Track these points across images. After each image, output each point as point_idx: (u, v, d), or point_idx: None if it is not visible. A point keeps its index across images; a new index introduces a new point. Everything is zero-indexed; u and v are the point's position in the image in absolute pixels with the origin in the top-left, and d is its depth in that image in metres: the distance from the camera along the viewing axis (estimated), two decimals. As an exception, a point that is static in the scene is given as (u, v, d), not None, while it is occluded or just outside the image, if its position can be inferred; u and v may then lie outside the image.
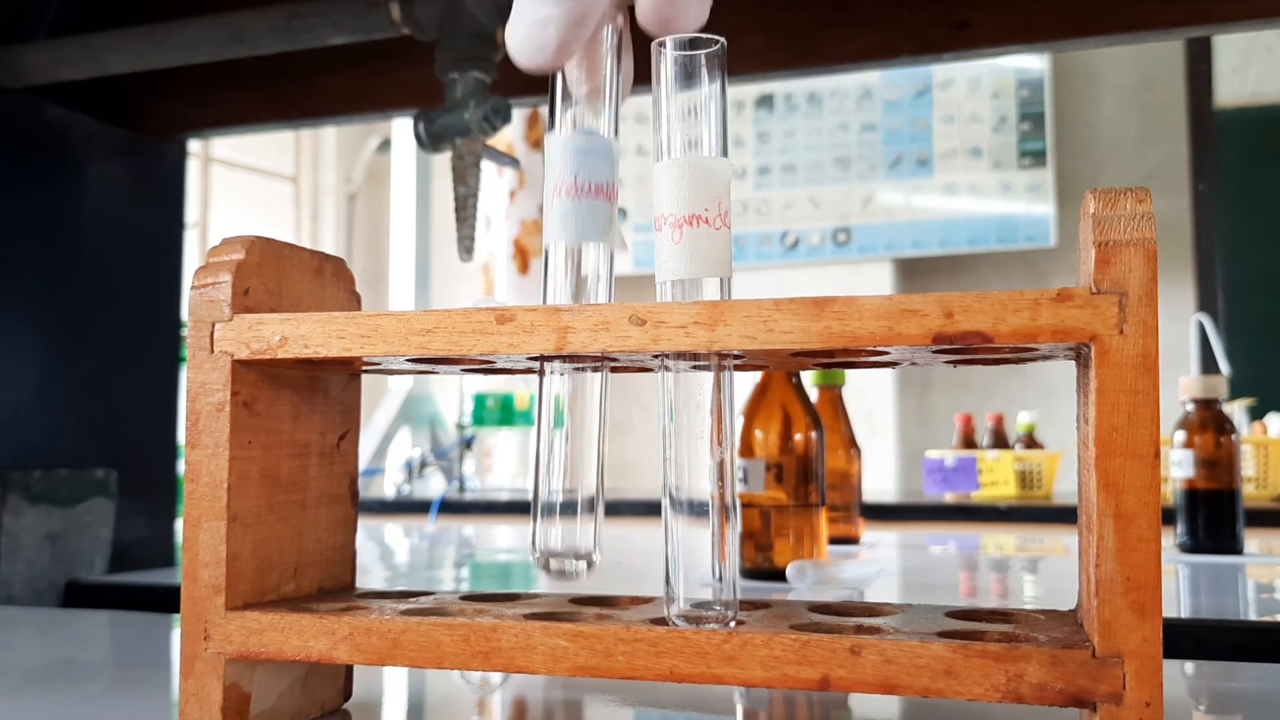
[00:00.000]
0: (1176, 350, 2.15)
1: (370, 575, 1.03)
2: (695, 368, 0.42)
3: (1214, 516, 1.07)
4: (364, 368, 0.49)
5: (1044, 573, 1.08)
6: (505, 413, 2.54)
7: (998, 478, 2.01)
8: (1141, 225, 0.37)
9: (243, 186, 3.30)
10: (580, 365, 0.45)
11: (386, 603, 0.48)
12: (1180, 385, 1.11)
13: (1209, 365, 2.01)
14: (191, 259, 1.21)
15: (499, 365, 0.46)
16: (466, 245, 0.87)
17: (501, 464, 2.93)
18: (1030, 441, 2.14)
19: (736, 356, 0.42)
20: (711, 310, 0.40)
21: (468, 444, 2.56)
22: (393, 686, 0.58)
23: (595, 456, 0.46)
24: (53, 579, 0.95)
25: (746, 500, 0.89)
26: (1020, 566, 1.14)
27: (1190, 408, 1.10)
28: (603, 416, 0.46)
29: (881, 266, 2.91)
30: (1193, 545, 1.08)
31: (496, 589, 0.77)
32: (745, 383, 0.94)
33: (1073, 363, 0.42)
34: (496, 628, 0.42)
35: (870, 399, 2.89)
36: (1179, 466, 1.09)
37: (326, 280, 0.51)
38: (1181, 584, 0.92)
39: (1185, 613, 0.78)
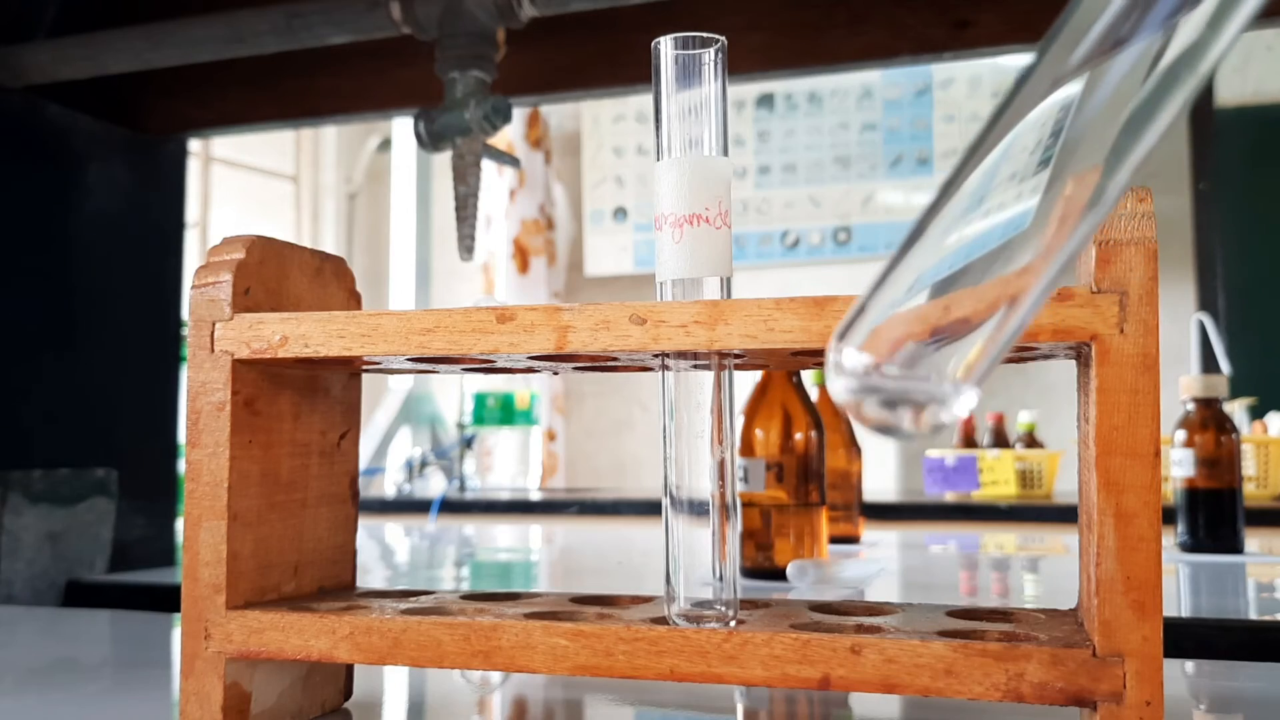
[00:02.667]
0: (1177, 349, 2.15)
1: (370, 575, 1.03)
2: (695, 367, 0.42)
3: (1214, 516, 1.07)
4: (364, 367, 0.49)
5: (1044, 572, 1.08)
6: (505, 412, 2.54)
7: (998, 477, 2.01)
8: (1142, 224, 0.37)
9: (243, 186, 3.30)
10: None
11: (387, 602, 0.48)
12: (1181, 384, 1.11)
13: (1209, 364, 2.00)
14: (191, 259, 1.21)
15: (499, 364, 0.46)
16: (467, 244, 0.87)
17: (502, 463, 2.93)
18: (1030, 441, 2.14)
19: (737, 356, 0.42)
20: (712, 309, 0.40)
21: (468, 443, 2.56)
22: (393, 686, 0.58)
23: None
24: (53, 578, 0.95)
25: (747, 499, 0.89)
26: (1020, 566, 1.14)
27: (1191, 407, 1.10)
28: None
29: (882, 266, 2.91)
30: (1193, 544, 1.08)
31: (497, 588, 0.77)
32: (745, 382, 0.94)
33: (1073, 362, 0.42)
34: (497, 627, 0.42)
35: (870, 398, 2.88)
36: (1179, 466, 1.09)
37: (327, 280, 0.51)
38: (1182, 583, 0.92)
39: (1186, 612, 0.77)
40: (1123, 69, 0.19)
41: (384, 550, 1.35)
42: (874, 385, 0.21)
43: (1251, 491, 1.75)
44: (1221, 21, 0.18)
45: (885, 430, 0.21)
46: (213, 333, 0.45)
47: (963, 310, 0.21)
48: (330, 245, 3.45)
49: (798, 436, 0.90)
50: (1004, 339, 0.21)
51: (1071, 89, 0.20)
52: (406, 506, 2.31)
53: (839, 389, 0.21)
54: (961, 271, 0.21)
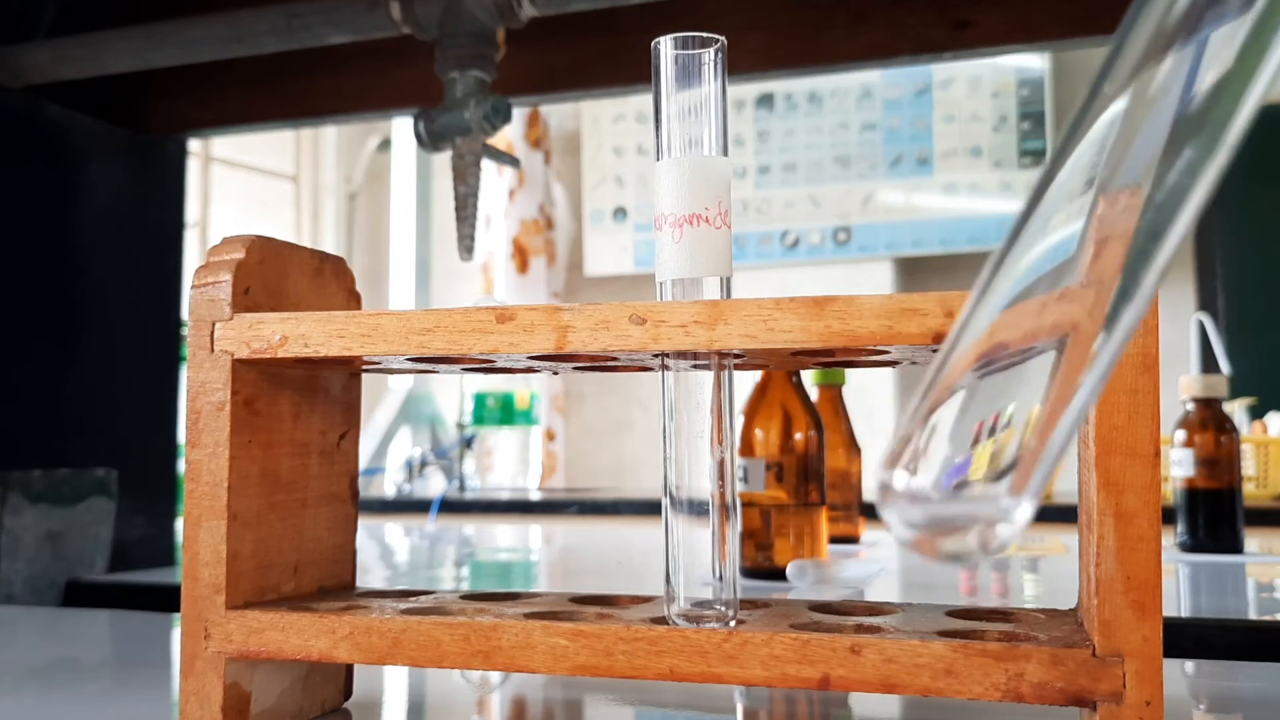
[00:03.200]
0: (1176, 350, 2.15)
1: (370, 574, 1.03)
2: (695, 367, 0.42)
3: (1214, 515, 1.07)
4: (364, 367, 0.49)
5: (1044, 572, 1.08)
6: (505, 412, 2.54)
7: (998, 477, 2.01)
8: (1142, 224, 0.37)
9: (243, 186, 3.30)
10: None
11: (387, 602, 0.48)
12: (1180, 384, 1.11)
13: (1209, 364, 2.00)
14: (191, 258, 1.20)
15: (499, 364, 0.46)
16: (466, 244, 0.87)
17: (501, 463, 2.93)
18: (1030, 441, 2.14)
19: (737, 356, 0.42)
20: (712, 309, 0.40)
21: (468, 443, 2.56)
22: (393, 686, 0.58)
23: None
24: (53, 578, 0.95)
25: (747, 499, 0.89)
26: (1020, 566, 1.14)
27: (1190, 407, 1.10)
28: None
29: (882, 266, 2.91)
30: (1193, 544, 1.08)
31: (497, 588, 0.77)
32: (745, 382, 0.94)
33: (1073, 362, 0.42)
34: (497, 627, 0.42)
35: (870, 398, 2.89)
36: (1179, 465, 1.09)
37: (326, 279, 0.51)
38: (1181, 583, 0.92)
39: (1185, 612, 0.77)
40: (1167, 78, 0.18)
41: (384, 550, 1.35)
42: (933, 518, 0.20)
43: (1251, 491, 1.75)
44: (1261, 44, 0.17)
45: (956, 561, 0.20)
46: (213, 333, 0.45)
47: (1006, 334, 0.20)
48: (330, 245, 3.45)
49: (798, 436, 0.90)
50: (1054, 446, 0.19)
51: (1120, 103, 0.19)
52: (406, 506, 2.31)
53: (899, 529, 0.20)
54: (1016, 299, 0.20)
